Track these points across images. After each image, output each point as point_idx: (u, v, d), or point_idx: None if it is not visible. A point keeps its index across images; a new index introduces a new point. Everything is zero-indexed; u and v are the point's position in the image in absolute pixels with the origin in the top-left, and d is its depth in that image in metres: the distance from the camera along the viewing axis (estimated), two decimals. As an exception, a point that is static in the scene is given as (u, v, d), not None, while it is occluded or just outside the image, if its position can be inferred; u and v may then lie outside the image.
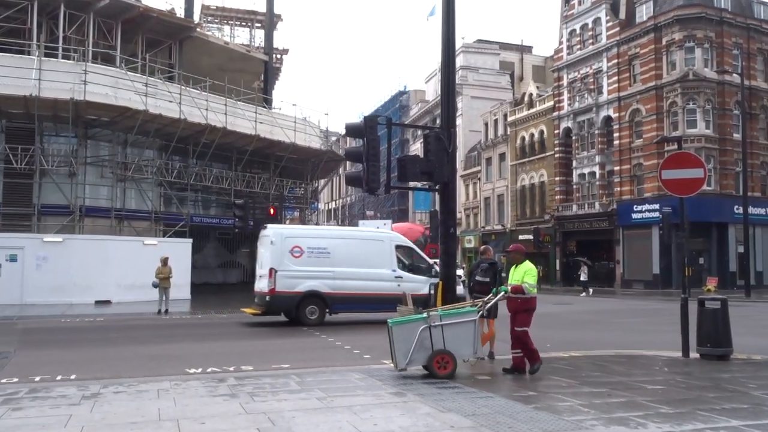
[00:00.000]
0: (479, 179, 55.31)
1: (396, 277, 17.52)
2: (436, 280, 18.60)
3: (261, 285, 17.27)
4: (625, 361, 10.20)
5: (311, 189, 38.82)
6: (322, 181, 46.43)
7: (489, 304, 8.74)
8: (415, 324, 8.43)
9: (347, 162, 72.59)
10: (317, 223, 43.66)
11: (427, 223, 57.90)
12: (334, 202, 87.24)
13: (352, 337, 13.68)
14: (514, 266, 8.91)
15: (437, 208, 14.24)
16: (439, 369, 8.34)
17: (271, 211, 22.60)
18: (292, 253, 16.20)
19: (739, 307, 22.44)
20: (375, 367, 9.28)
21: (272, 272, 16.46)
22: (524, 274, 8.67)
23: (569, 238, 44.16)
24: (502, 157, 52.46)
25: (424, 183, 10.86)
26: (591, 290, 34.07)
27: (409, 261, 17.99)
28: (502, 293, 8.83)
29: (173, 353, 11.62)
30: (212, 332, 15.66)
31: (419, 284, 17.88)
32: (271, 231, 16.96)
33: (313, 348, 12.25)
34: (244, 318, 19.71)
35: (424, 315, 8.45)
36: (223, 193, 32.67)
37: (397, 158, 10.00)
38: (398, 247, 17.90)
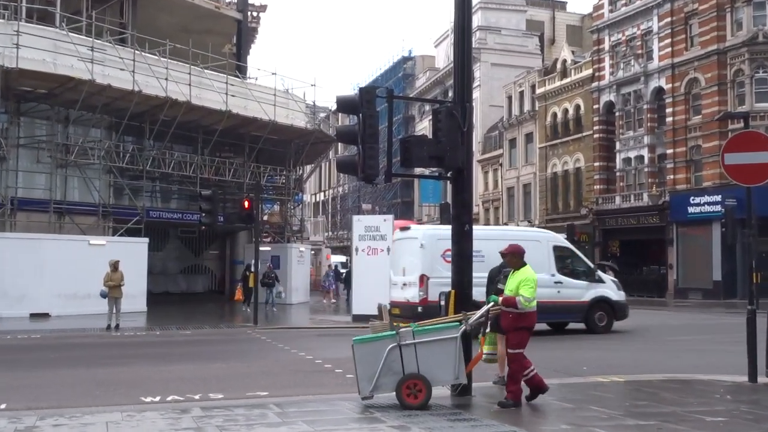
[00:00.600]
0: (501, 165, 55.37)
1: (555, 282, 18.09)
2: (601, 287, 19.24)
3: (407, 294, 17.84)
4: (678, 387, 10.24)
5: (295, 177, 38.90)
6: (308, 168, 46.41)
7: (474, 318, 8.71)
8: (382, 342, 8.48)
9: (339, 144, 72.72)
10: (302, 219, 43.66)
11: (436, 218, 57.94)
12: (322, 194, 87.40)
13: (343, 358, 13.72)
14: (512, 272, 8.91)
15: (449, 200, 14.17)
16: (408, 397, 8.28)
17: (246, 204, 22.64)
18: (444, 257, 16.49)
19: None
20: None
21: (424, 279, 17.07)
22: (519, 284, 8.56)
23: (611, 237, 44.24)
24: (528, 138, 52.48)
25: (433, 170, 10.86)
26: None
27: (568, 264, 18.62)
28: (491, 304, 8.85)
29: (126, 378, 11.68)
30: (173, 352, 15.69)
31: (580, 290, 18.46)
32: (419, 233, 17.85)
33: (296, 370, 12.30)
34: (212, 335, 19.77)
35: (394, 332, 8.50)
36: (187, 182, 32.74)
37: (400, 139, 9.98)
38: (556, 248, 18.55)
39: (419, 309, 16.84)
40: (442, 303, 9.55)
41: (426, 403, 8.31)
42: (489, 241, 16.82)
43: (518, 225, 51.89)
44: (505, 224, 53.27)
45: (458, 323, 8.57)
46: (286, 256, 33.95)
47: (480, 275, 9.93)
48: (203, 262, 43.08)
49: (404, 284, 18.15)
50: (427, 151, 9.59)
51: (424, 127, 62.67)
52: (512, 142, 54.32)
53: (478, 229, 17.77)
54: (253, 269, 24.36)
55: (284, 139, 35.76)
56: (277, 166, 36.64)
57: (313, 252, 48.00)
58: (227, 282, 40.24)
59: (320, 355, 14.50)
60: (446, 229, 17.77)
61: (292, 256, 34.49)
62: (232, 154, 36.52)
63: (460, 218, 9.81)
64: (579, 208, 45.88)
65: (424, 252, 17.34)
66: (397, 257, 18.86)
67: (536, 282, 8.61)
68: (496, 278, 10.34)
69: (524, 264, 8.82)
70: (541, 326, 21.27)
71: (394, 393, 8.35)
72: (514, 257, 8.91)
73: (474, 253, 9.65)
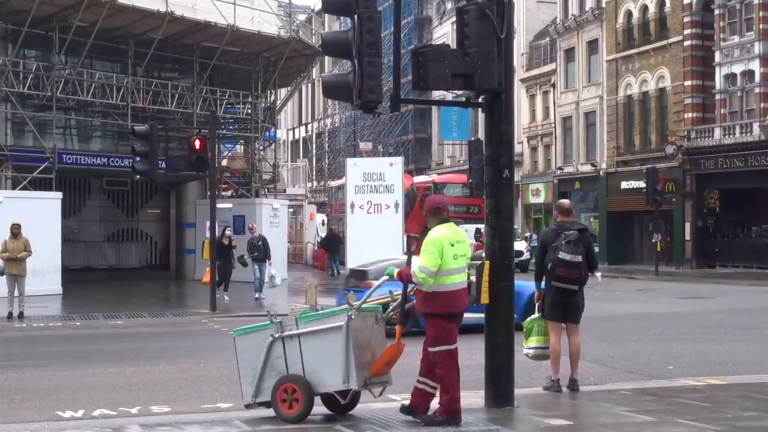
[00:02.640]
0: (553, 86, 55.06)
1: None
2: None
3: None
4: (800, 392, 10.31)
5: (264, 106, 38.75)
6: (283, 93, 46.19)
7: (393, 305, 9.17)
8: (263, 333, 8.94)
9: (326, 59, 72.17)
10: (275, 165, 43.55)
11: (462, 161, 57.54)
12: (303, 129, 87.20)
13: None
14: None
15: (480, 135, 14.11)
16: (283, 405, 8.68)
17: (197, 143, 22.59)
18: None
19: None
20: (378, 406, 9.39)
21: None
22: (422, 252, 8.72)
23: (708, 186, 44.14)
24: (592, 47, 52.07)
25: (458, 93, 10.80)
26: None
27: None
28: (384, 279, 9.01)
29: (36, 385, 11.75)
30: (101, 350, 15.82)
31: None
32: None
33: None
34: (153, 326, 19.93)
35: (279, 320, 8.96)
36: (114, 113, 32.67)
37: (411, 50, 9.91)
38: None
39: None
40: (471, 278, 9.48)
41: (304, 413, 8.62)
42: None
43: (577, 169, 51.87)
44: (560, 168, 53.27)
45: (346, 309, 8.77)
46: (253, 216, 33.96)
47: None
48: (139, 226, 43.20)
49: None
50: (450, 67, 9.50)
51: (444, 33, 62.11)
52: (569, 54, 53.87)
53: None
54: (209, 235, 24.36)
55: (249, 53, 35.47)
56: (239, 90, 36.50)
57: (291, 210, 48.15)
58: (172, 253, 40.39)
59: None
60: None
61: (263, 215, 34.52)
62: (177, 75, 36.33)
63: (496, 160, 9.80)
64: (663, 145, 45.68)
65: None
66: None
67: (440, 246, 8.53)
68: (554, 244, 10.27)
69: (439, 222, 8.85)
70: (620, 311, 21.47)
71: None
72: (429, 213, 9.01)
73: None
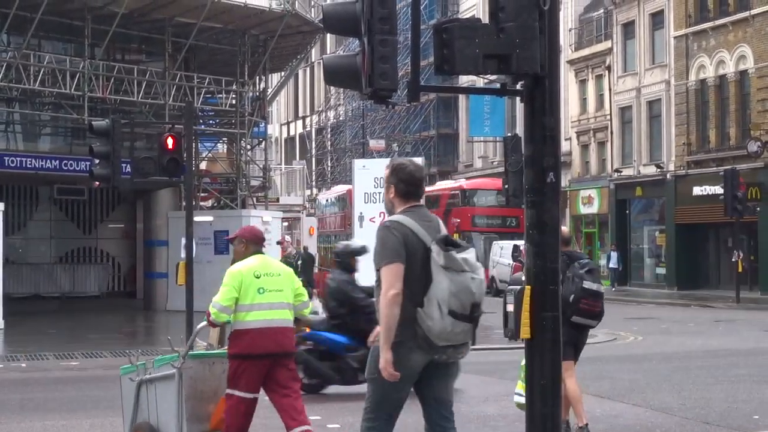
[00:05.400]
0: (608, 69, 55.03)
1: None
2: None
3: None
4: None
5: (252, 96, 38.82)
6: (275, 79, 46.31)
7: (191, 339, 10.19)
8: (131, 375, 10.22)
9: (328, 38, 72.13)
10: (266, 168, 43.54)
11: (496, 162, 57.40)
12: (300, 123, 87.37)
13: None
14: None
15: (519, 131, 14.01)
16: None
17: (169, 142, 22.59)
18: None
19: None
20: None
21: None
22: None
23: (801, 192, 43.98)
24: (656, 20, 52.05)
25: (491, 79, 10.83)
26: None
27: None
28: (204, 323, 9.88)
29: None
30: (52, 397, 15.80)
31: None
32: None
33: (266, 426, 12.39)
34: (116, 366, 19.81)
35: (142, 362, 10.23)
36: (68, 105, 32.77)
37: (433, 26, 9.92)
38: None
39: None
40: (508, 307, 9.52)
41: None
42: None
43: (638, 171, 51.72)
44: (617, 171, 53.13)
45: (176, 356, 9.78)
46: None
47: None
48: (98, 245, 43.28)
49: None
50: (481, 46, 9.42)
51: (473, 4, 62.26)
52: (628, 29, 53.87)
53: None
54: (185, 255, 24.31)
55: (233, 30, 35.57)
56: (221, 76, 36.62)
57: (286, 223, 48.12)
58: (139, 277, 40.41)
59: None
60: None
61: (251, 230, 34.53)
62: (144, 58, 36.41)
63: (538, 161, 9.70)
64: (745, 141, 45.58)
65: None
66: None
67: (238, 279, 9.24)
68: (568, 274, 10.73)
69: (251, 253, 9.67)
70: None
71: None
72: (240, 244, 9.81)
73: None
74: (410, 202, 7.80)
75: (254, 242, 9.69)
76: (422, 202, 8.14)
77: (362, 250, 14.84)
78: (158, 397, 9.74)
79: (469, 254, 7.60)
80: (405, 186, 7.84)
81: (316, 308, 23.44)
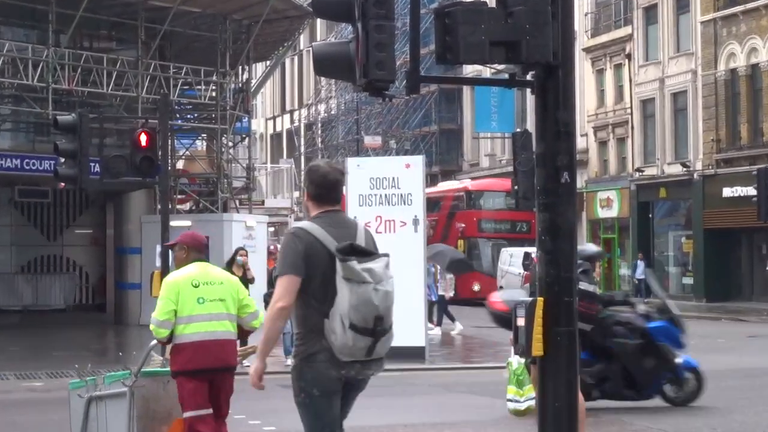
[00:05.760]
0: (628, 58, 55.04)
1: None
2: None
3: None
4: None
5: (233, 88, 38.78)
6: (260, 70, 46.28)
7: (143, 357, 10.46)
8: (80, 391, 10.62)
9: (317, 22, 71.87)
10: (249, 167, 43.56)
11: (504, 161, 57.14)
12: (287, 118, 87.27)
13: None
14: None
15: (530, 127, 14.03)
16: None
17: (143, 138, 22.65)
18: None
19: None
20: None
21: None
22: None
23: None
24: (681, 3, 52.05)
25: (498, 68, 10.91)
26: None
27: None
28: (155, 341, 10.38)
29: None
30: (13, 421, 15.97)
31: None
32: None
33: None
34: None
35: (92, 378, 10.65)
36: (30, 98, 32.79)
37: (435, 10, 10.00)
38: None
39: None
40: (518, 321, 9.63)
41: None
42: None
43: (662, 171, 51.73)
44: (639, 170, 53.13)
45: (128, 373, 10.12)
46: (221, 236, 34.03)
47: None
48: (64, 252, 43.17)
49: None
50: (488, 32, 9.52)
51: (480, -15, 62.25)
52: (650, 13, 53.88)
53: None
54: (160, 264, 24.33)
55: (213, 14, 35.56)
56: (200, 66, 36.60)
57: (272, 229, 48.14)
58: (110, 288, 40.36)
59: (279, 424, 14.69)
60: None
61: (233, 235, 34.56)
62: (115, 45, 36.40)
63: (551, 159, 9.78)
64: (781, 137, 45.69)
65: None
66: None
67: (175, 289, 9.46)
68: None
69: (192, 260, 9.89)
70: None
71: None
72: (183, 251, 9.99)
73: None
74: (324, 206, 7.89)
75: (196, 248, 9.85)
76: (339, 206, 8.24)
77: (599, 255, 14.84)
78: (108, 416, 10.06)
79: (377, 263, 7.63)
80: (316, 189, 7.92)
81: None
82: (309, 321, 7.51)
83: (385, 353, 7.71)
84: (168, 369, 10.03)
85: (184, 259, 9.85)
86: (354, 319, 7.38)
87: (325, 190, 7.89)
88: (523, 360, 11.61)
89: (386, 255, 7.82)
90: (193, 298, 9.32)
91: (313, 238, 7.60)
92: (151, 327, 9.44)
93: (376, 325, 7.47)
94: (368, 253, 7.67)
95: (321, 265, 7.55)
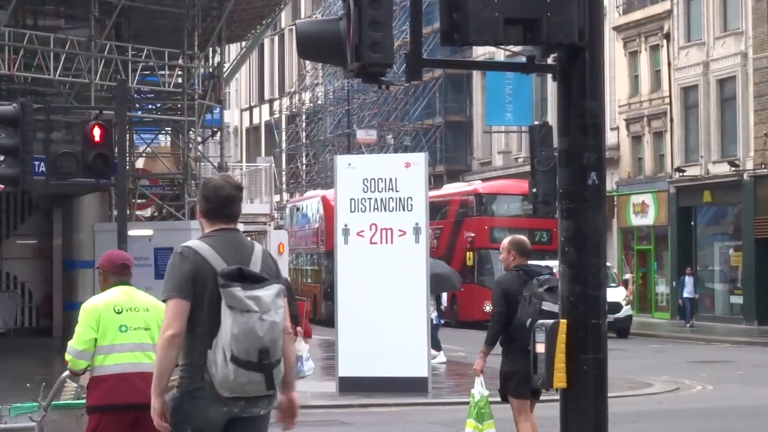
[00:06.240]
0: (666, 39, 55.22)
1: None
2: None
3: None
4: None
5: (202, 74, 38.87)
6: (234, 52, 46.52)
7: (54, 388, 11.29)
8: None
9: (302, 0, 72.13)
10: (222, 165, 43.67)
11: (521, 159, 57.32)
12: (266, 108, 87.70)
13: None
14: None
15: (551, 119, 13.87)
16: None
17: (96, 132, 22.64)
18: None
19: None
20: None
21: None
22: None
23: None
24: (728, -24, 52.21)
25: (514, 51, 10.83)
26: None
27: None
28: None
29: None
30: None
31: None
32: None
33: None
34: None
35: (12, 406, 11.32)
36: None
37: (437, -14, 9.88)
38: None
39: None
40: (537, 347, 9.50)
41: None
42: None
43: (706, 171, 51.72)
44: (679, 170, 53.15)
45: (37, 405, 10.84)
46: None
47: None
48: (3, 266, 43.29)
49: None
50: (502, 9, 9.45)
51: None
52: (692, -13, 54.09)
53: None
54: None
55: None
56: (163, 48, 36.78)
57: (249, 238, 48.09)
58: (57, 308, 40.42)
59: None
60: None
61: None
62: (64, 24, 36.44)
63: (576, 157, 9.75)
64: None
65: None
66: None
67: (95, 316, 9.62)
68: (525, 293, 11.61)
69: (117, 283, 10.09)
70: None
71: None
72: (101, 275, 10.30)
73: None
74: (217, 224, 8.10)
75: (113, 272, 9.99)
76: (235, 225, 8.40)
77: None
78: None
79: (266, 291, 7.70)
80: (207, 204, 8.13)
81: (300, 352, 23.36)
82: (194, 352, 7.66)
83: (277, 389, 7.85)
84: (83, 401, 10.15)
85: (103, 284, 10.06)
86: (236, 351, 7.53)
87: (217, 207, 8.08)
88: (486, 392, 12.71)
89: (280, 283, 7.95)
90: (115, 325, 9.49)
91: (201, 259, 7.75)
92: (68, 357, 9.51)
93: (262, 359, 7.60)
94: (259, 279, 7.76)
95: (209, 289, 7.69)
